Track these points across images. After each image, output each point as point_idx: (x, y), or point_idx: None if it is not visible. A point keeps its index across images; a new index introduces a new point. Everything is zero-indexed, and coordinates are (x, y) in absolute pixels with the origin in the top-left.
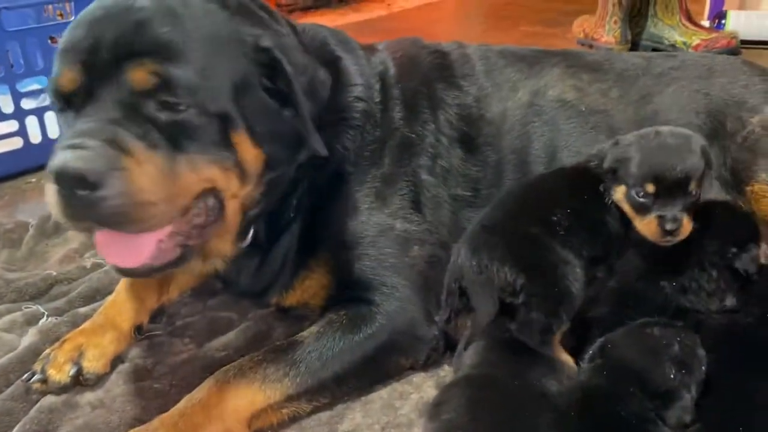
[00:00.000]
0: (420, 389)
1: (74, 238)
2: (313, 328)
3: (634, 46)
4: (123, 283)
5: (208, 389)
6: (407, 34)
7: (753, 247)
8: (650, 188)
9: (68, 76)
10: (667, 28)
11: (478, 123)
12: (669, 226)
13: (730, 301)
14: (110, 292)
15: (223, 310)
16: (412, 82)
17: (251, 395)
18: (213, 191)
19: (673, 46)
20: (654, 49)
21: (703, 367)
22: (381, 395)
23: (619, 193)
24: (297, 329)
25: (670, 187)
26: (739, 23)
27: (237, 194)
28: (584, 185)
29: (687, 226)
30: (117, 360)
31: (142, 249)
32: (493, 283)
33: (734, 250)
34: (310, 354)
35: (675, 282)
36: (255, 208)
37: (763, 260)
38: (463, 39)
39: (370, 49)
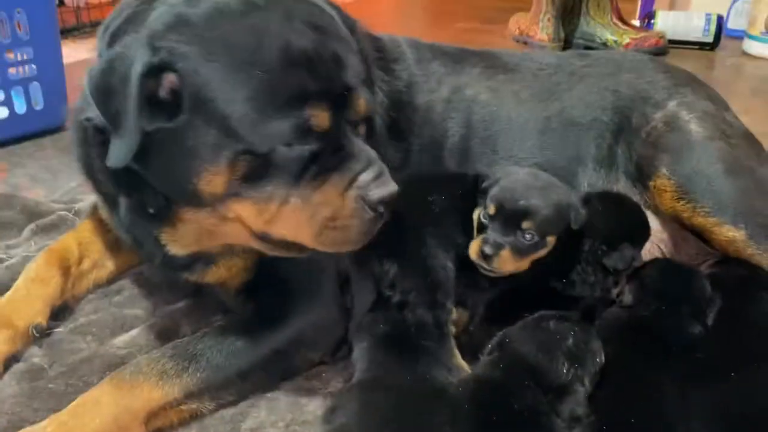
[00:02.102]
0: (328, 385)
1: None
2: (218, 323)
3: (567, 44)
4: (23, 279)
5: (102, 387)
6: None
7: (626, 246)
8: (491, 210)
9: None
10: (599, 27)
11: (405, 110)
12: (486, 249)
13: (627, 299)
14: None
15: (129, 307)
16: None
17: (147, 392)
18: None
19: (605, 44)
20: (586, 47)
21: (598, 360)
22: (287, 392)
23: (476, 212)
24: (205, 325)
25: (506, 217)
26: (667, 23)
27: None
28: (465, 185)
29: (506, 260)
30: (11, 359)
31: None
32: (372, 272)
33: (603, 248)
34: (212, 348)
35: (564, 278)
36: None
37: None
38: (401, 33)
39: None
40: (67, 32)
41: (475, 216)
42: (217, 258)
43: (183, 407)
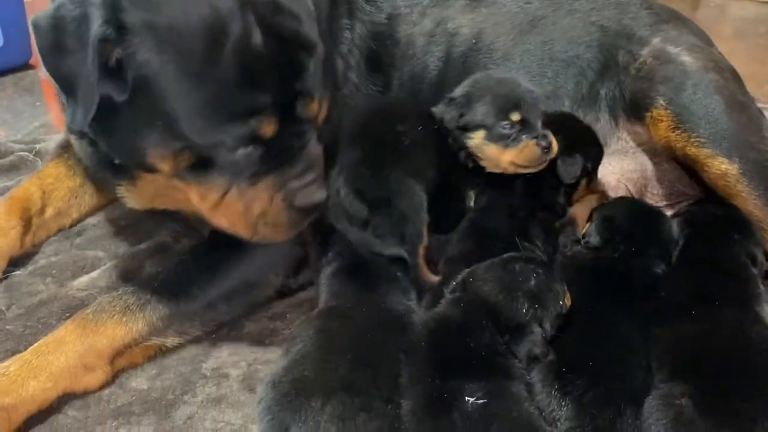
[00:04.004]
0: (292, 325)
1: None
2: (178, 257)
3: None
4: None
5: (66, 327)
6: None
7: (578, 157)
8: (516, 117)
9: None
10: None
11: (385, 43)
12: (545, 143)
13: (594, 240)
14: None
15: (91, 249)
16: None
17: (111, 328)
18: None
19: None
20: None
21: (561, 302)
22: (251, 333)
23: (476, 139)
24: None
25: (531, 112)
26: None
27: None
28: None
29: (555, 142)
30: None
31: None
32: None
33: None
34: (175, 281)
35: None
36: None
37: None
38: None
39: None
40: None
41: (475, 143)
42: None
43: (148, 343)
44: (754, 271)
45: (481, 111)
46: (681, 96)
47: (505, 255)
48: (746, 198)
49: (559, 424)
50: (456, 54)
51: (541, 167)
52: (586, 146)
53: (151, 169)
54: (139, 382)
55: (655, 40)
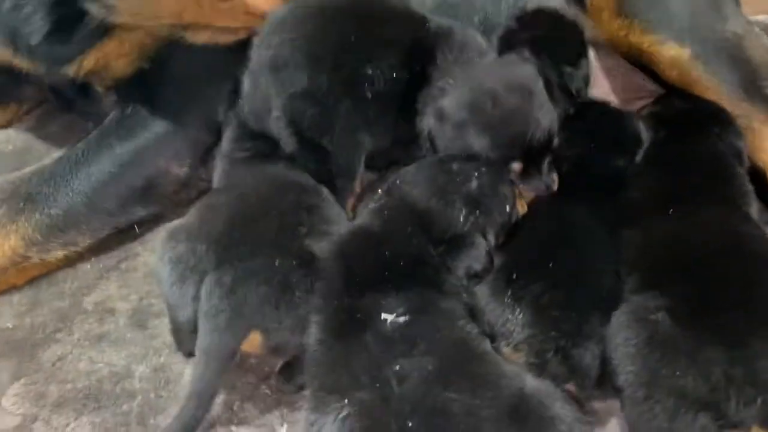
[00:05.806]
0: None
1: None
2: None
3: None
4: None
5: None
6: None
7: (584, 63)
8: (517, 167)
9: None
10: None
11: None
12: (545, 187)
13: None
14: None
15: None
16: None
17: None
18: None
19: None
20: None
21: (509, 208)
22: (147, 263)
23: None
24: None
25: (537, 155)
26: None
27: None
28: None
29: (556, 180)
30: None
31: None
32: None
33: (569, 69)
34: (49, 181)
35: None
36: None
37: None
38: None
39: None
40: None
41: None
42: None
43: (27, 263)
44: (740, 170)
45: (478, 143)
46: None
47: (441, 154)
48: (706, 86)
49: (515, 335)
50: None
51: None
52: (585, 45)
53: None
54: (3, 320)
55: None
